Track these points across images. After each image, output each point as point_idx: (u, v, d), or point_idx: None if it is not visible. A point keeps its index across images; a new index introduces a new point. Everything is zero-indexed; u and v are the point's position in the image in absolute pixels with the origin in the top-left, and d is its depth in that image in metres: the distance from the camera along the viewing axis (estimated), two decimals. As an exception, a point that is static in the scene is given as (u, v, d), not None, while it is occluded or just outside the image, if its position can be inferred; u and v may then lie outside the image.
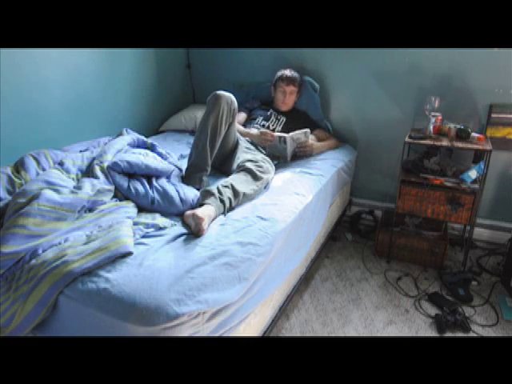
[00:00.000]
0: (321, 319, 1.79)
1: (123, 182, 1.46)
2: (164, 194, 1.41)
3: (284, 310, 1.63)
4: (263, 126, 2.27)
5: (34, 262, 1.09)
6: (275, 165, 1.93)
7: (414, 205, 2.06)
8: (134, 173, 1.50)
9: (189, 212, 1.32)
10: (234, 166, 1.78)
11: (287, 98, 2.33)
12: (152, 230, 1.27)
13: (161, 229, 1.29)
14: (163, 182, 1.50)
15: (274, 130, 2.25)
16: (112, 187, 1.43)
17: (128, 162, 1.48)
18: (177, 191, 1.43)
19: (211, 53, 2.77)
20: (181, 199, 1.41)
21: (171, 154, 1.81)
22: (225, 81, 2.74)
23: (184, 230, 1.27)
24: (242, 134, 2.11)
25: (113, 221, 1.25)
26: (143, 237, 1.23)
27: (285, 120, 2.31)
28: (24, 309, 1.03)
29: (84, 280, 1.02)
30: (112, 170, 1.47)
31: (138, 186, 1.44)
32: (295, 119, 2.33)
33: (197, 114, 2.63)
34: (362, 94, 2.43)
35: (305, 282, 2.00)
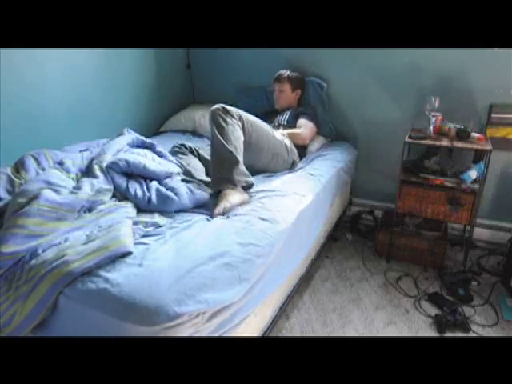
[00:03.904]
0: (321, 319, 1.79)
1: (122, 181, 1.46)
2: (160, 195, 1.43)
3: (284, 310, 1.63)
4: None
5: (34, 261, 1.09)
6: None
7: (414, 205, 2.06)
8: (131, 173, 1.50)
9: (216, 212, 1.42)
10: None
11: (277, 95, 2.35)
12: (152, 228, 1.28)
13: (160, 227, 1.29)
14: (160, 183, 1.51)
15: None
16: (111, 187, 1.44)
17: (127, 162, 1.48)
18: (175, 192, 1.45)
19: (211, 53, 2.77)
20: (179, 197, 1.44)
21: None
22: (225, 81, 2.74)
23: (184, 230, 1.27)
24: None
25: (112, 221, 1.25)
26: (143, 236, 1.23)
27: (287, 118, 2.29)
28: (24, 309, 1.03)
29: (84, 280, 1.01)
30: (111, 170, 1.47)
31: (137, 186, 1.45)
32: (295, 118, 2.31)
33: (197, 114, 2.63)
34: (362, 94, 2.43)
35: (305, 282, 1.99)
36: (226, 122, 1.63)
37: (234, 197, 1.49)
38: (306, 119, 2.25)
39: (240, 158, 1.62)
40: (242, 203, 1.50)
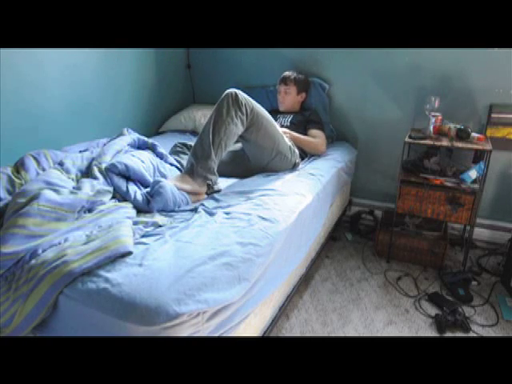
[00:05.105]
0: (321, 319, 1.79)
1: (121, 183, 1.46)
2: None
3: (284, 310, 1.63)
4: None
5: (33, 262, 1.08)
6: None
7: (414, 205, 2.06)
8: (129, 176, 1.51)
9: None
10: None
11: (282, 97, 2.33)
12: (151, 228, 1.28)
13: (160, 226, 1.29)
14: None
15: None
16: (111, 188, 1.44)
17: (126, 165, 1.48)
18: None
19: (211, 53, 2.77)
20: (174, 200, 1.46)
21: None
22: (225, 81, 2.74)
23: (184, 230, 1.27)
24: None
25: (112, 221, 1.25)
26: (143, 236, 1.23)
27: (290, 119, 2.29)
28: (24, 309, 1.03)
29: (84, 280, 1.01)
30: (110, 172, 1.48)
31: (136, 189, 1.45)
32: (298, 120, 2.29)
33: (197, 114, 2.63)
34: (362, 94, 2.43)
35: (305, 281, 2.00)
36: (228, 112, 1.62)
37: (184, 183, 1.56)
38: (318, 129, 2.24)
39: (215, 153, 1.61)
40: (193, 193, 1.57)
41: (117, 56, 2.28)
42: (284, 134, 1.96)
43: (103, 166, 1.51)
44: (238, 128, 1.66)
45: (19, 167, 1.46)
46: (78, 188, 1.36)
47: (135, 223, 1.28)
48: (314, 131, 2.22)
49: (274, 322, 1.52)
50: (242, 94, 1.67)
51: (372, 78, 2.37)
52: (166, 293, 0.96)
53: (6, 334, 1.05)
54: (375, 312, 1.84)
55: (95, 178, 1.45)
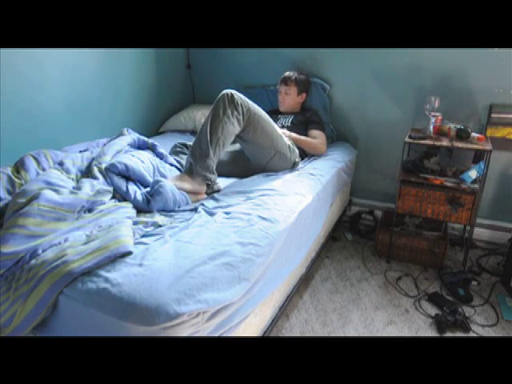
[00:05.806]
0: (321, 319, 1.79)
1: (121, 183, 1.46)
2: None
3: (284, 310, 1.63)
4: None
5: (33, 262, 1.09)
6: None
7: (414, 205, 2.06)
8: (129, 176, 1.51)
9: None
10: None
11: (282, 98, 2.33)
12: (151, 228, 1.28)
13: (160, 226, 1.29)
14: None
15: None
16: (111, 188, 1.44)
17: (126, 165, 1.48)
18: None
19: (211, 53, 2.77)
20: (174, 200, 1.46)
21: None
22: (225, 81, 2.74)
23: (184, 230, 1.27)
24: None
25: (112, 221, 1.25)
26: (143, 236, 1.23)
27: (291, 120, 2.29)
28: (24, 309, 1.03)
29: (84, 280, 1.01)
30: (110, 172, 1.48)
31: (136, 189, 1.46)
32: (299, 121, 2.29)
33: (197, 114, 2.63)
34: (361, 93, 2.43)
35: (305, 281, 2.00)
36: (224, 112, 1.63)
37: (183, 182, 1.56)
38: (319, 130, 2.24)
39: (213, 152, 1.62)
40: (193, 192, 1.58)
41: (117, 56, 2.28)
42: (283, 135, 1.96)
43: (103, 165, 1.51)
44: (235, 127, 1.67)
45: (19, 167, 1.46)
46: (78, 188, 1.36)
47: (135, 223, 1.28)
48: (314, 132, 2.23)
49: (274, 321, 1.52)
50: (237, 94, 1.68)
51: (372, 78, 2.37)
52: (166, 293, 0.96)
53: (6, 334, 1.05)
54: (375, 312, 1.84)
55: (95, 177, 1.45)
